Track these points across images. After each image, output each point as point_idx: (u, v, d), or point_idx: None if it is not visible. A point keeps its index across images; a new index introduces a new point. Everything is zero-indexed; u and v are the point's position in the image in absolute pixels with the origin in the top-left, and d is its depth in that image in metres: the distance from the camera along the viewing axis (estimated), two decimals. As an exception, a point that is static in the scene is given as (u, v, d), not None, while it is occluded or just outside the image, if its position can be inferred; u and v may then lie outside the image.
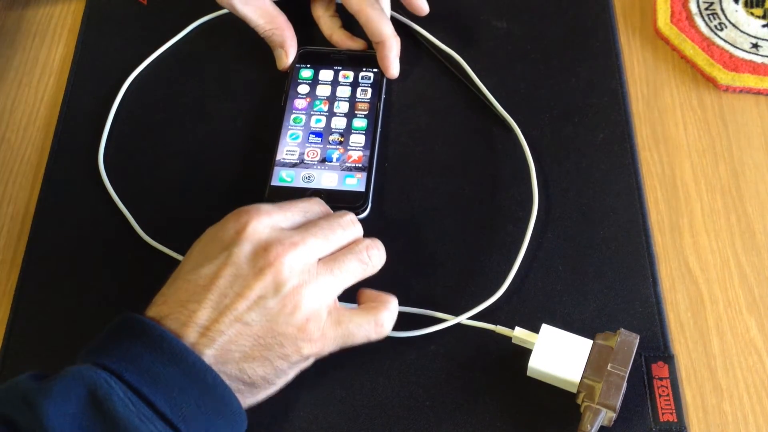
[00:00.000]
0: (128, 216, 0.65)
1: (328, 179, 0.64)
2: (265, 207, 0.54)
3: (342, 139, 0.66)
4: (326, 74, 0.69)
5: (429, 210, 0.65)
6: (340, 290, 0.54)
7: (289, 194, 0.63)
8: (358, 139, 0.66)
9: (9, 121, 0.71)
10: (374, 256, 0.56)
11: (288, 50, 0.70)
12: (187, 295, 0.51)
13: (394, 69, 0.69)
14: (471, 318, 0.60)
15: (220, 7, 0.71)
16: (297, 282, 0.52)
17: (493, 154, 0.67)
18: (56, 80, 0.73)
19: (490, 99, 0.69)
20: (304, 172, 0.65)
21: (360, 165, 0.65)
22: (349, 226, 0.56)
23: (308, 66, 0.70)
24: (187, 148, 0.68)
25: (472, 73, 0.70)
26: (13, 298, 0.62)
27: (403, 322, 0.59)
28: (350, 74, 0.69)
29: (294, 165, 0.65)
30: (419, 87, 0.71)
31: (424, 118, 0.69)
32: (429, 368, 0.59)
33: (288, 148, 0.66)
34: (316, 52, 0.71)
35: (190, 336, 0.50)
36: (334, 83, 0.69)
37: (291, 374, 0.54)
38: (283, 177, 0.64)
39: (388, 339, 0.59)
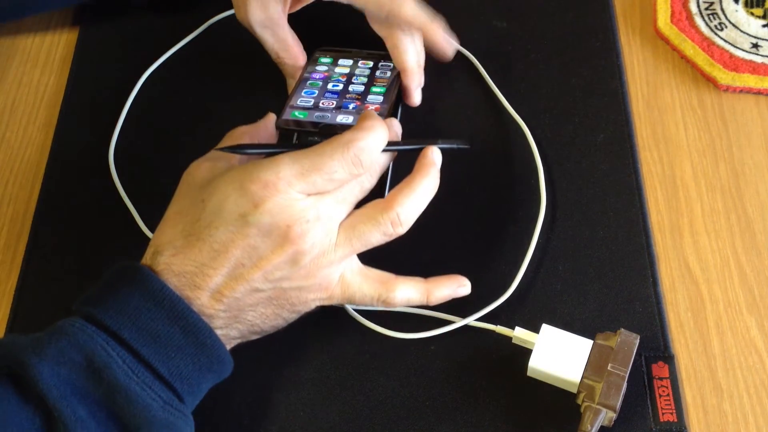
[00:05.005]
0: (135, 214, 0.64)
1: (343, 119, 0.63)
2: (287, 172, 0.51)
3: (360, 97, 0.65)
4: (345, 62, 0.68)
5: (431, 209, 0.65)
6: (354, 258, 0.55)
7: (299, 127, 0.62)
8: (376, 99, 0.65)
9: (9, 121, 0.71)
10: (399, 224, 0.54)
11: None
12: (200, 257, 0.50)
13: (414, 99, 0.67)
14: (476, 319, 0.60)
15: (229, 8, 0.72)
16: (315, 255, 0.52)
17: (497, 154, 0.67)
18: (56, 80, 0.73)
19: (501, 100, 0.69)
20: (318, 113, 0.63)
21: (378, 112, 0.63)
22: (372, 167, 0.54)
23: (327, 56, 0.69)
24: (195, 149, 0.68)
25: (484, 73, 0.70)
26: (13, 298, 0.62)
27: (407, 322, 0.60)
28: (370, 63, 0.68)
29: (308, 109, 0.64)
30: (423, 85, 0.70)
31: (427, 117, 0.69)
32: (429, 368, 0.59)
33: (302, 99, 0.64)
34: (334, 49, 0.70)
35: (202, 298, 0.50)
36: (354, 66, 0.68)
37: (296, 317, 0.56)
38: (295, 114, 0.63)
39: (388, 339, 0.59)
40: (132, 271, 0.50)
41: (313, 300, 0.54)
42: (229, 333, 0.52)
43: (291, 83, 0.68)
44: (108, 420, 0.46)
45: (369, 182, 0.54)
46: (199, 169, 0.55)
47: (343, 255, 0.53)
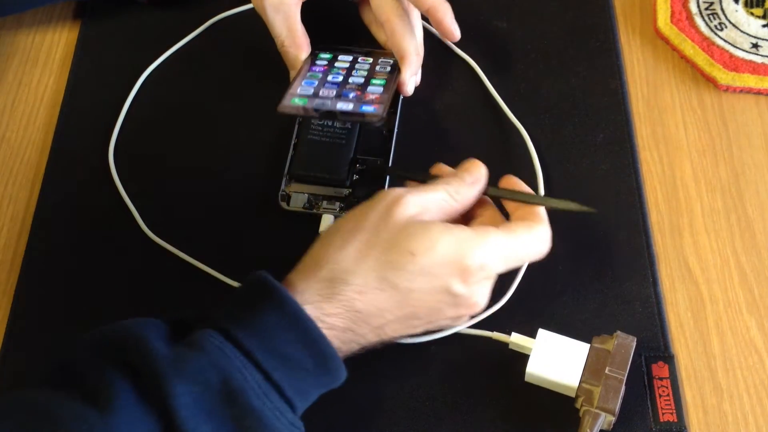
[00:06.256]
0: (135, 214, 0.64)
1: (343, 106, 0.62)
2: (498, 258, 0.53)
3: (360, 87, 0.64)
4: (345, 57, 0.68)
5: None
6: None
7: (300, 112, 0.62)
8: (376, 90, 0.64)
9: (9, 121, 0.71)
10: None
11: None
12: (387, 303, 0.52)
13: (407, 87, 0.66)
14: (471, 326, 0.60)
15: (230, 7, 0.72)
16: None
17: (497, 155, 0.67)
18: (56, 80, 0.73)
19: (498, 102, 0.69)
20: (319, 101, 0.63)
21: (378, 101, 0.62)
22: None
23: (327, 52, 0.69)
24: (194, 148, 0.68)
25: (483, 76, 0.70)
26: (13, 298, 0.62)
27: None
28: (370, 59, 0.68)
29: (308, 97, 0.63)
30: (422, 86, 0.70)
31: (425, 118, 0.69)
32: (429, 369, 0.59)
33: (302, 88, 0.64)
34: (334, 47, 0.69)
35: (368, 335, 0.53)
36: (353, 62, 0.67)
37: None
38: (295, 100, 0.63)
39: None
40: (271, 289, 0.50)
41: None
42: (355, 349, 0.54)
43: (293, 74, 0.68)
44: None
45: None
46: (407, 205, 0.53)
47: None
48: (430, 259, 0.51)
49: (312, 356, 0.49)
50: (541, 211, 0.56)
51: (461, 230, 0.52)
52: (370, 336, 0.53)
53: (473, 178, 0.56)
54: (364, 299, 0.51)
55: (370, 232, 0.52)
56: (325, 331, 0.50)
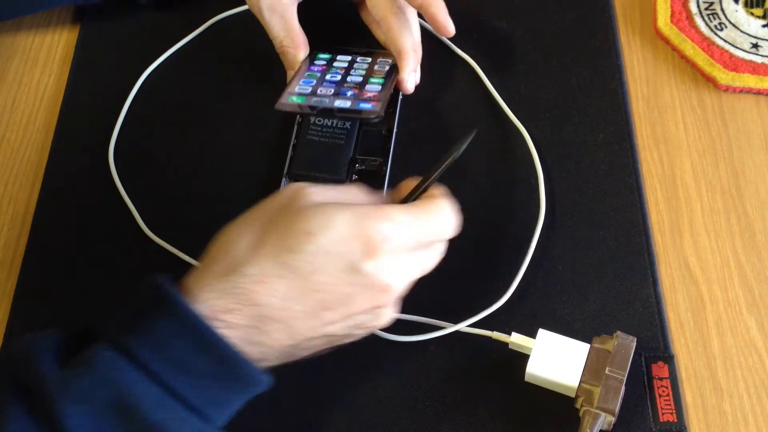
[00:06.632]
0: (135, 213, 0.65)
1: (341, 104, 0.62)
2: (404, 232, 0.50)
3: (358, 86, 0.64)
4: (344, 57, 0.68)
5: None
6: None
7: (298, 110, 0.62)
8: (374, 87, 0.64)
9: (9, 121, 0.71)
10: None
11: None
12: (290, 291, 0.48)
13: (407, 84, 0.66)
14: (471, 326, 0.59)
15: (230, 7, 0.72)
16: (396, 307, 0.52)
17: (497, 156, 0.67)
18: (56, 80, 0.73)
19: (498, 101, 0.69)
20: (316, 99, 0.63)
21: (376, 98, 0.63)
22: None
23: (326, 53, 0.69)
24: (194, 148, 0.68)
25: (483, 76, 0.70)
26: (13, 298, 0.62)
27: (402, 325, 0.59)
28: (369, 58, 0.68)
29: (306, 95, 0.63)
30: (422, 86, 0.70)
31: (426, 118, 0.69)
32: (429, 369, 0.59)
33: (300, 87, 0.64)
34: (333, 47, 0.70)
35: (274, 333, 0.49)
36: (352, 61, 0.68)
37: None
38: (293, 98, 0.63)
39: (388, 340, 0.59)
40: (163, 295, 0.47)
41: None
42: (271, 359, 0.51)
43: (291, 75, 0.68)
44: None
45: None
46: (309, 195, 0.50)
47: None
48: (330, 236, 0.48)
49: (212, 362, 0.46)
50: (435, 190, 0.53)
51: (361, 206, 0.50)
52: (279, 335, 0.49)
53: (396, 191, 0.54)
54: (263, 290, 0.47)
55: (268, 222, 0.49)
56: (225, 331, 0.47)
